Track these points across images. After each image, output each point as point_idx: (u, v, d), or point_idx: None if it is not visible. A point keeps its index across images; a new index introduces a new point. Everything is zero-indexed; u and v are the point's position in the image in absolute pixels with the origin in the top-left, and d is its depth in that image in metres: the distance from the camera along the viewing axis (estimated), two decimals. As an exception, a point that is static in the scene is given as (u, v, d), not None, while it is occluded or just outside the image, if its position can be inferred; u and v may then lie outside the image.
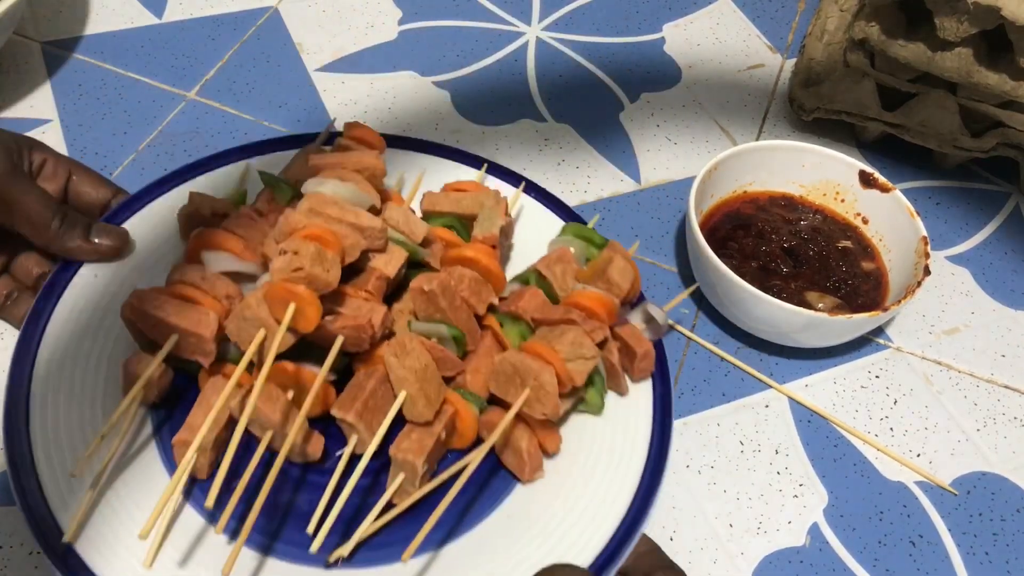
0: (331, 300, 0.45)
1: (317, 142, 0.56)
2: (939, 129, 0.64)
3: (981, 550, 0.49)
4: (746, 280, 0.52)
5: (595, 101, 0.70)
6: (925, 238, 0.55)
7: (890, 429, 0.54)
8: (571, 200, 0.63)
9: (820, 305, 0.55)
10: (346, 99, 0.68)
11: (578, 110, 0.69)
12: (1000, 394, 0.56)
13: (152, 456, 0.45)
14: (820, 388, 0.55)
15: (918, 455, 0.53)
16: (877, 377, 0.56)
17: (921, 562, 0.48)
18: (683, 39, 0.76)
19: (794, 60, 0.74)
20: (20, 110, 0.64)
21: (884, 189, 0.58)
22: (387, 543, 0.44)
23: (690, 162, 0.67)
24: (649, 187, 0.65)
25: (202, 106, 0.66)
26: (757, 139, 0.69)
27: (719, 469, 0.51)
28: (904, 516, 0.50)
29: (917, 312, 0.60)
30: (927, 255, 0.54)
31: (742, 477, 0.51)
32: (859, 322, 0.52)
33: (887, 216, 0.59)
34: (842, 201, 0.60)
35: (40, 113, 0.64)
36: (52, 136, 0.62)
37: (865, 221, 0.60)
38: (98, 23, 0.71)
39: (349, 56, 0.71)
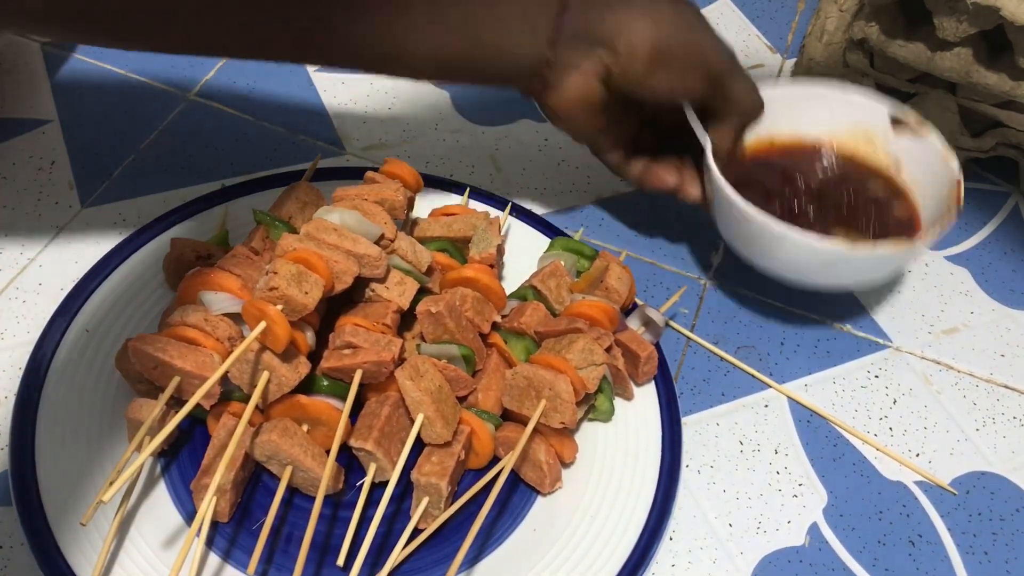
0: (349, 335, 0.46)
1: (305, 177, 0.56)
2: (938, 129, 0.64)
3: (980, 550, 0.49)
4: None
5: (595, 101, 0.70)
6: (960, 182, 0.52)
7: (889, 429, 0.54)
8: (571, 200, 0.63)
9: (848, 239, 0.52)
10: (346, 99, 0.68)
11: (578, 110, 0.69)
12: (999, 394, 0.56)
13: (164, 501, 0.45)
14: (819, 388, 0.55)
15: (917, 455, 0.53)
16: (876, 377, 0.56)
17: (920, 561, 0.48)
18: (683, 39, 0.76)
19: (794, 60, 0.74)
20: (20, 110, 0.64)
21: (917, 133, 0.56)
22: (415, 569, 0.44)
23: (690, 162, 0.67)
24: (649, 187, 0.65)
25: (202, 106, 0.66)
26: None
27: (718, 469, 0.51)
28: (903, 516, 0.50)
29: (916, 312, 0.60)
30: (959, 199, 0.52)
31: (741, 477, 0.51)
32: (887, 255, 0.49)
33: (920, 161, 0.55)
34: (873, 146, 0.57)
35: (40, 113, 0.64)
36: (52, 136, 0.62)
37: (897, 167, 0.57)
38: (98, 23, 0.71)
39: (349, 56, 0.71)
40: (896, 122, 0.56)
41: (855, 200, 0.55)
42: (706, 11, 0.78)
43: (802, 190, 0.55)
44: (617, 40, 0.48)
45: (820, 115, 0.58)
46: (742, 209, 0.50)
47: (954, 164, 0.53)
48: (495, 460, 0.48)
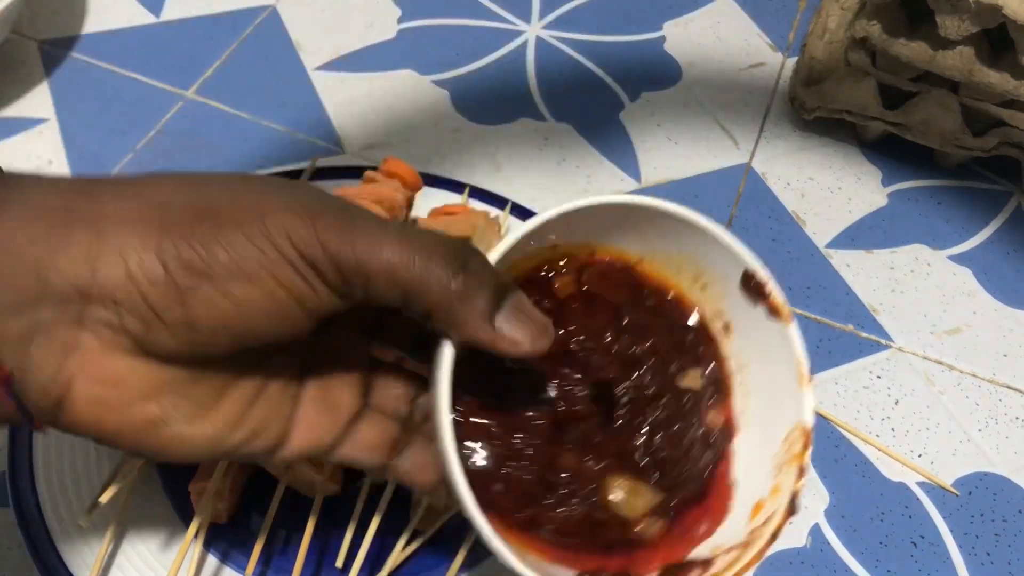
0: None
1: (304, 176, 0.55)
2: (940, 128, 0.63)
3: (983, 551, 0.49)
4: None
5: (595, 100, 0.70)
6: (807, 430, 0.32)
7: (891, 429, 0.53)
8: (571, 200, 0.63)
9: (629, 505, 0.31)
10: (345, 98, 0.67)
11: (578, 109, 0.69)
12: (1002, 394, 0.56)
13: (162, 503, 0.45)
14: (821, 388, 0.55)
15: (919, 455, 0.52)
16: (878, 377, 0.56)
17: (922, 563, 0.48)
18: (683, 37, 0.76)
19: (795, 59, 0.74)
20: (17, 109, 0.64)
21: (775, 312, 0.33)
22: (414, 571, 0.44)
23: (690, 161, 0.66)
24: (649, 186, 0.64)
25: (200, 105, 0.66)
26: (758, 140, 0.69)
27: (720, 470, 0.51)
28: (905, 517, 0.50)
29: (919, 312, 0.59)
30: (803, 455, 0.31)
31: (743, 478, 0.50)
32: None
33: (763, 350, 0.34)
34: (706, 295, 0.35)
35: (37, 112, 0.64)
36: (49, 135, 0.62)
37: (727, 333, 0.35)
38: (96, 22, 0.71)
39: (348, 55, 0.71)
40: (749, 281, 0.34)
41: (654, 401, 0.33)
42: (706, 9, 0.78)
43: (585, 384, 0.33)
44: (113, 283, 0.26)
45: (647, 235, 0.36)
46: (450, 476, 0.29)
47: (808, 393, 0.32)
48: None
